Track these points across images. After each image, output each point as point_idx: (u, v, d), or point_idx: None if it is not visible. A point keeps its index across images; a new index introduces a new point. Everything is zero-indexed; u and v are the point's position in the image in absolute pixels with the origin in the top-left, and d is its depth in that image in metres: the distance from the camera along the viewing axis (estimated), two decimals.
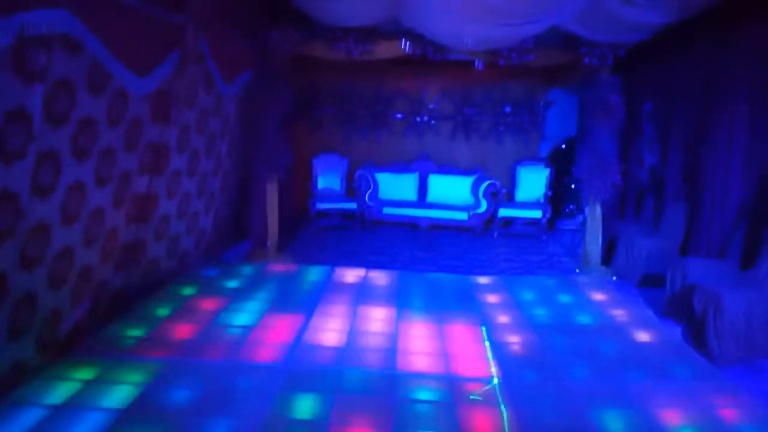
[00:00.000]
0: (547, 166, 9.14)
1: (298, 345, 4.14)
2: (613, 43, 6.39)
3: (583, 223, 8.35)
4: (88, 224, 4.00)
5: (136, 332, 4.22)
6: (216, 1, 5.19)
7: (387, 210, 8.91)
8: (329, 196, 9.03)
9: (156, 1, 4.32)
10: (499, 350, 4.16)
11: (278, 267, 6.32)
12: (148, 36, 4.29)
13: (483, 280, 6.09)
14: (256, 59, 6.58)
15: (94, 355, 3.80)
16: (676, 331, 5.00)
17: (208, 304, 4.88)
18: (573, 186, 9.18)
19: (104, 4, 3.68)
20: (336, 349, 4.09)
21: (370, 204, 8.90)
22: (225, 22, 5.62)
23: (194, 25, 4.90)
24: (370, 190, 9.03)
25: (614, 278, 6.71)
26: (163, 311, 4.65)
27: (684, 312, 5.07)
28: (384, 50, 6.91)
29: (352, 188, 9.20)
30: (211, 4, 5.05)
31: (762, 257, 4.80)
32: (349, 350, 4.09)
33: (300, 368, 3.77)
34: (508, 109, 9.52)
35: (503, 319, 4.87)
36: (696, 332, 4.68)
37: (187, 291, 5.21)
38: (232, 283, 5.56)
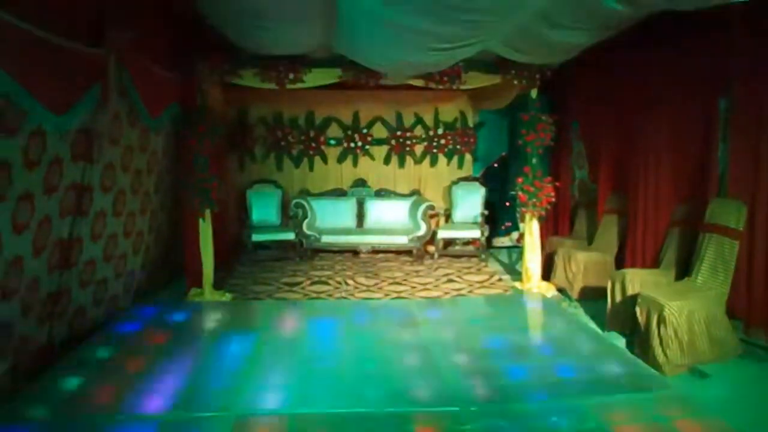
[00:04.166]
0: (482, 185, 9.27)
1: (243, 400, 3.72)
2: (540, 64, 6.58)
3: (519, 240, 8.52)
4: (6, 275, 3.65)
5: (39, 412, 3.48)
6: (138, 31, 4.93)
7: (326, 238, 8.74)
8: (266, 227, 8.77)
9: (74, 34, 4.04)
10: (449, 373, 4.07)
11: (213, 312, 5.90)
12: (65, 70, 3.99)
13: (427, 303, 6.02)
14: (183, 90, 6.32)
15: None
16: (621, 342, 5.11)
17: (129, 366, 4.21)
18: (507, 204, 9.35)
19: (16, 37, 3.39)
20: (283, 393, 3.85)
21: (309, 233, 8.71)
22: (149, 53, 5.36)
23: (116, 57, 4.64)
24: (307, 219, 8.86)
25: (556, 293, 6.81)
26: (71, 381, 3.90)
27: (628, 323, 5.19)
28: (316, 78, 6.82)
29: (289, 218, 8.99)
30: (133, 35, 4.79)
31: (697, 265, 4.97)
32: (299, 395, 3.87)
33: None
34: (440, 132, 9.63)
35: (450, 338, 4.80)
36: (641, 342, 4.78)
37: (102, 353, 4.47)
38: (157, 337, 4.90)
